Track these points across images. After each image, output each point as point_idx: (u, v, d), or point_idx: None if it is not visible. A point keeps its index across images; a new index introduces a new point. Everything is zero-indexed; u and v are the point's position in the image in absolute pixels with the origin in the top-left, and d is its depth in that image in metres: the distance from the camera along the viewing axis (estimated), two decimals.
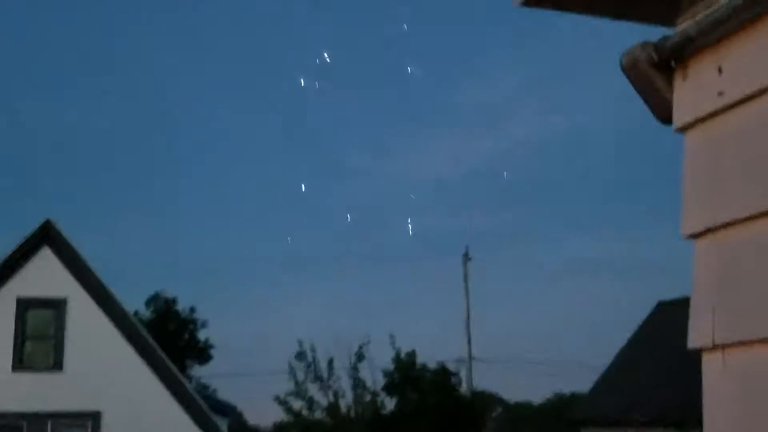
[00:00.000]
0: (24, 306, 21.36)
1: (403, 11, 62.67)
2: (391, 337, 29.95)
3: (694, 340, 2.27)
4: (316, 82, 57.62)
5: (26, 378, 21.04)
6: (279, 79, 62.90)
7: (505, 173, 68.97)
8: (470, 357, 33.83)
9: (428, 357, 31.19)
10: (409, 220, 67.46)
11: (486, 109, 58.13)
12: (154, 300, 39.26)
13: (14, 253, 21.47)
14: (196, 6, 61.10)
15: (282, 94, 61.06)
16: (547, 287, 60.15)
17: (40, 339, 21.51)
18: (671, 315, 20.84)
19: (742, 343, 2.12)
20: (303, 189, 57.01)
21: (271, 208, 61.10)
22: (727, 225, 2.17)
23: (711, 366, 2.21)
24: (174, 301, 39.68)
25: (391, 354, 30.06)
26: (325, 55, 48.67)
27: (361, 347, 29.10)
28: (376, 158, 64.34)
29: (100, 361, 21.32)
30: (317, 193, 65.48)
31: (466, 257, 34.84)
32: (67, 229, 22.04)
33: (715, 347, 2.20)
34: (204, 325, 40.41)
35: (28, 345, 21.47)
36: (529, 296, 61.16)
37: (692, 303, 2.31)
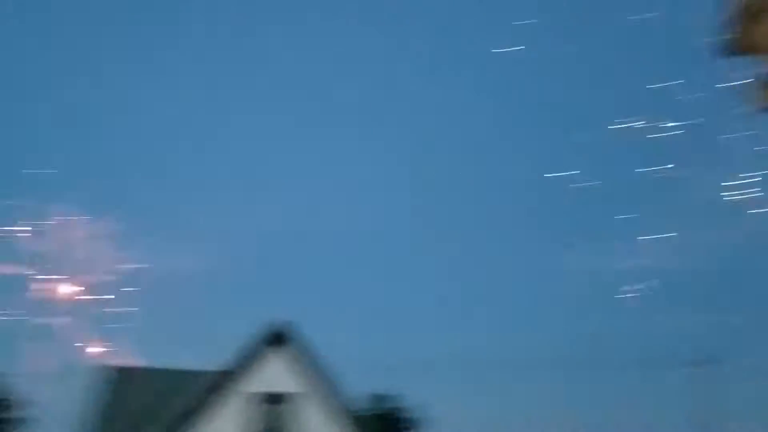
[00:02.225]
0: (256, 400, 22.23)
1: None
2: None
3: None
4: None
5: None
6: None
7: None
8: None
9: None
10: None
11: None
12: (380, 397, 39.72)
13: (248, 350, 22.51)
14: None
15: None
16: None
17: None
18: None
19: None
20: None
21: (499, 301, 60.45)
22: None
23: None
24: (398, 399, 39.92)
25: None
26: None
27: None
28: None
29: None
30: None
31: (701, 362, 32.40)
32: (296, 327, 22.90)
33: None
34: (429, 424, 40.20)
35: None
36: None
37: None
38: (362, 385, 49.97)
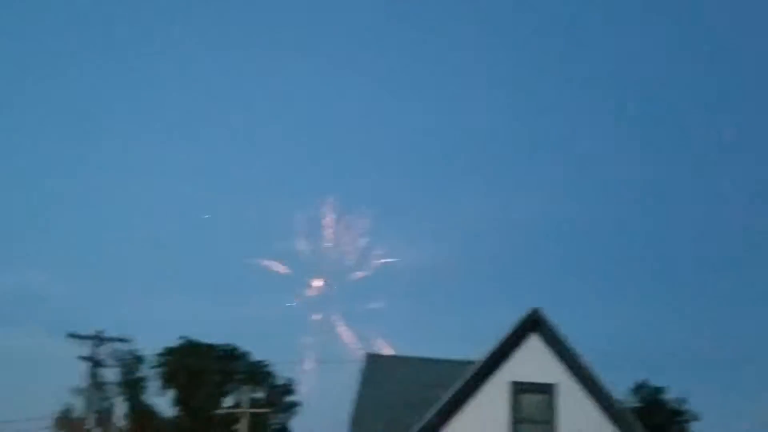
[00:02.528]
0: (517, 390, 22.13)
1: None
2: None
3: None
4: None
5: None
6: None
7: None
8: None
9: None
10: None
11: None
12: (640, 388, 38.27)
13: (505, 339, 22.45)
14: None
15: None
16: None
17: (533, 423, 22.01)
18: None
19: None
20: None
21: None
22: None
23: None
24: (662, 390, 38.22)
25: None
26: None
27: None
28: None
29: None
30: None
31: None
32: (552, 315, 22.58)
33: None
34: (696, 418, 38.17)
35: (523, 428, 22.08)
36: None
37: None
38: (622, 377, 48.49)
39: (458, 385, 22.02)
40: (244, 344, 51.42)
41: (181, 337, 50.77)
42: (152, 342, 52.52)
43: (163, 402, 51.82)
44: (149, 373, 51.58)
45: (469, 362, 23.25)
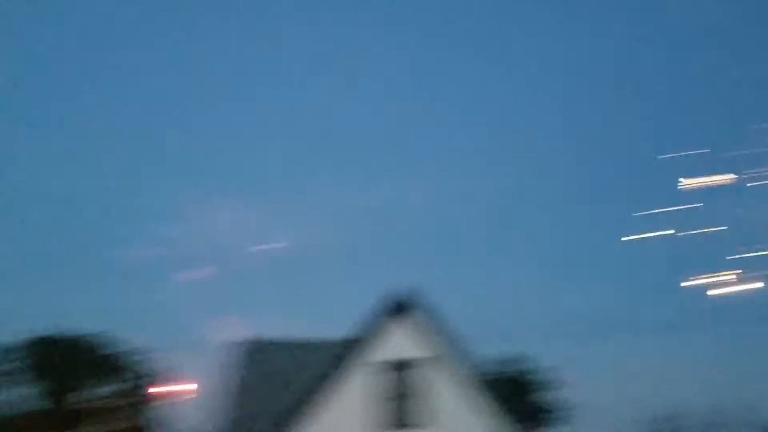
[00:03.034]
0: (384, 368, 22.70)
1: None
2: None
3: None
4: None
5: None
6: None
7: None
8: None
9: None
10: None
11: None
12: (507, 360, 39.75)
13: (373, 318, 22.98)
14: None
15: None
16: None
17: (400, 400, 22.61)
18: None
19: None
20: None
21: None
22: None
23: None
24: (526, 360, 39.86)
25: None
26: None
27: None
28: None
29: (453, 422, 21.94)
30: None
31: None
32: (421, 290, 23.23)
33: None
34: (557, 386, 40.02)
35: (389, 405, 22.66)
36: None
37: None
38: (488, 349, 50.21)
39: (325, 365, 22.48)
40: (120, 333, 50.43)
41: (47, 329, 49.24)
42: (19, 334, 50.73)
43: (30, 395, 50.20)
44: (13, 366, 49.85)
45: (339, 342, 23.72)
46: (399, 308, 23.08)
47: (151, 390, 49.65)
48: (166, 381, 51.61)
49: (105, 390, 48.10)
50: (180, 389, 53.05)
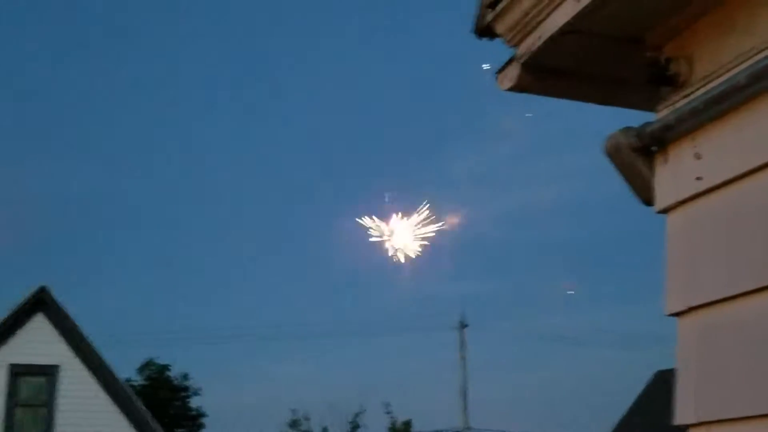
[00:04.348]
0: (16, 373, 21.20)
1: None
2: (387, 405, 29.72)
3: (679, 417, 2.33)
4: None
5: None
6: None
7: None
8: (467, 427, 33.48)
9: (425, 426, 31.01)
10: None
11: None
12: (146, 366, 38.90)
13: (7, 319, 21.38)
14: None
15: None
16: (545, 357, 59.66)
17: (32, 407, 21.28)
18: (670, 385, 20.79)
19: (724, 421, 2.18)
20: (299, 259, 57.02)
21: (267, 278, 60.82)
22: (707, 305, 2.24)
23: None
24: (167, 367, 39.31)
25: (387, 423, 29.78)
26: None
27: (356, 416, 28.84)
28: None
29: (91, 430, 21.07)
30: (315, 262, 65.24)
31: (462, 325, 34.70)
32: (60, 294, 22.00)
33: (700, 424, 2.25)
34: (197, 392, 39.99)
35: (19, 412, 21.23)
36: (526, 365, 60.61)
37: (677, 380, 2.37)
38: (132, 355, 48.87)
39: None
40: None
41: None
42: None
43: None
44: None
45: None
46: (42, 308, 21.68)
47: None
48: None
49: None
50: None
